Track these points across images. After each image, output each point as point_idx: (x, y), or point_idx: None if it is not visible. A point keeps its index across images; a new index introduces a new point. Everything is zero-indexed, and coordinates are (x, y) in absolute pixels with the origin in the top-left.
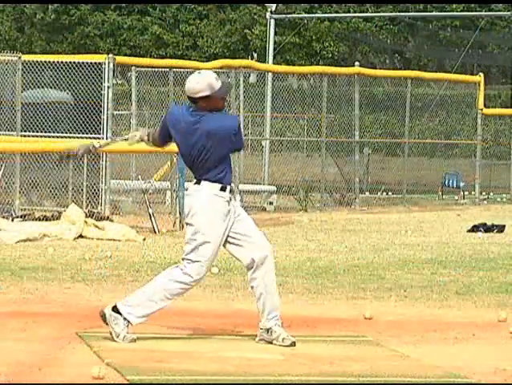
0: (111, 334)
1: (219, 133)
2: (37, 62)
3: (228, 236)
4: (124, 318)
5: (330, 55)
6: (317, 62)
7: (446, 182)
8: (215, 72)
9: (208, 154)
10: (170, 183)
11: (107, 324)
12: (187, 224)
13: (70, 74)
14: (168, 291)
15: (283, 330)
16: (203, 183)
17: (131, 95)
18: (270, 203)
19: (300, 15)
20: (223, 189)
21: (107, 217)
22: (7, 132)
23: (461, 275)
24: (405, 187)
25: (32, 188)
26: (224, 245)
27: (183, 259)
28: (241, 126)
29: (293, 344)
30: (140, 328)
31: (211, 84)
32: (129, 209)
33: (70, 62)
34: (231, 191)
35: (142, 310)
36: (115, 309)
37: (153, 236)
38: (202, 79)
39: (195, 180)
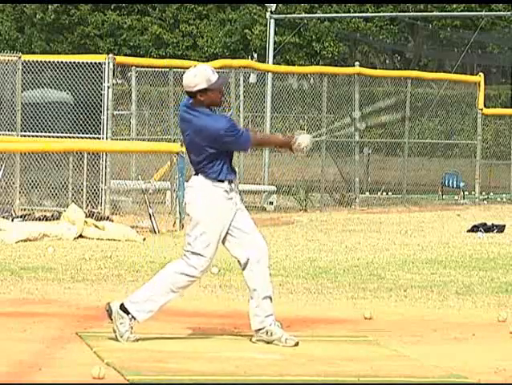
0: (114, 331)
1: (203, 132)
2: (37, 62)
3: (228, 228)
4: (131, 317)
5: (330, 55)
6: (317, 62)
7: (446, 182)
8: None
9: (199, 149)
10: (170, 183)
11: (111, 320)
12: (187, 214)
13: (70, 74)
14: (173, 284)
15: (283, 331)
16: (199, 175)
17: (131, 95)
18: (270, 203)
19: (300, 15)
20: (220, 181)
21: (107, 217)
22: (7, 132)
23: (461, 275)
24: (405, 187)
25: (32, 188)
26: (223, 241)
27: (186, 251)
28: (236, 129)
29: (297, 344)
30: (141, 328)
31: (207, 77)
32: (129, 209)
33: (70, 62)
34: (230, 182)
35: (149, 305)
36: (122, 307)
37: (153, 236)
38: (199, 72)
39: (194, 172)
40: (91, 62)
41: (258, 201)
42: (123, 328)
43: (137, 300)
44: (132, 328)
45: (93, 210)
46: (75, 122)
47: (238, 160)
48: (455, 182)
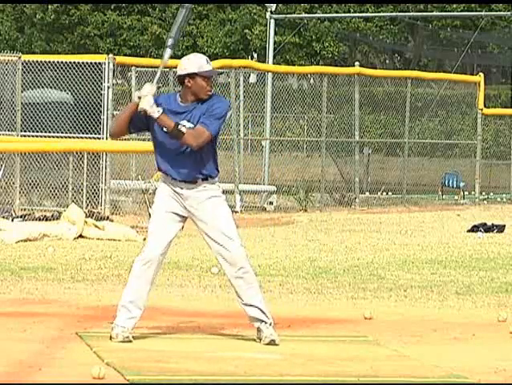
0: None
1: None
2: (37, 62)
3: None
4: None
5: (330, 55)
6: (317, 62)
7: (446, 182)
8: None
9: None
10: None
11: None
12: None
13: (70, 74)
14: (132, 272)
15: (269, 330)
16: None
17: (131, 95)
18: (270, 203)
19: (300, 15)
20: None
21: (107, 217)
22: (7, 132)
23: (461, 275)
24: (405, 187)
25: (32, 188)
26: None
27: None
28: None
29: (272, 342)
30: (141, 328)
31: (200, 64)
32: (129, 209)
33: (70, 62)
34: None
35: (125, 308)
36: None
37: None
38: (193, 57)
39: None
40: (91, 62)
41: (258, 201)
42: (114, 331)
43: (119, 308)
44: (125, 329)
45: (93, 210)
46: (75, 122)
47: (238, 159)
48: (455, 182)
